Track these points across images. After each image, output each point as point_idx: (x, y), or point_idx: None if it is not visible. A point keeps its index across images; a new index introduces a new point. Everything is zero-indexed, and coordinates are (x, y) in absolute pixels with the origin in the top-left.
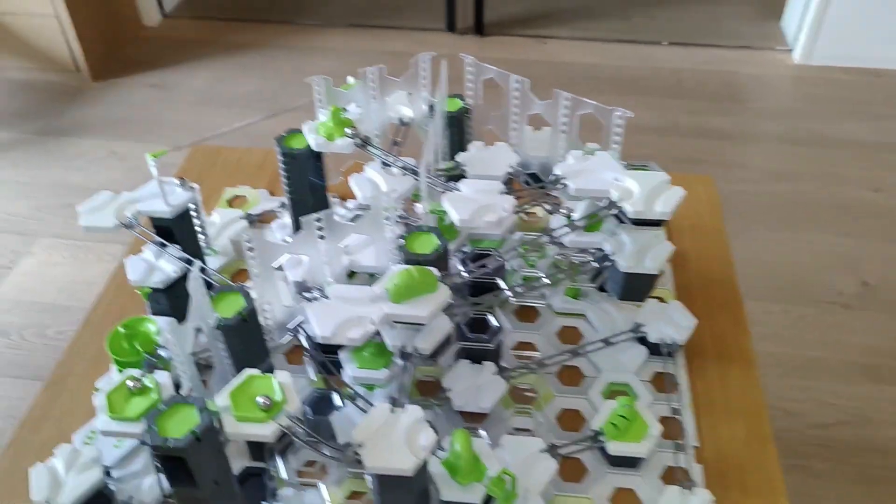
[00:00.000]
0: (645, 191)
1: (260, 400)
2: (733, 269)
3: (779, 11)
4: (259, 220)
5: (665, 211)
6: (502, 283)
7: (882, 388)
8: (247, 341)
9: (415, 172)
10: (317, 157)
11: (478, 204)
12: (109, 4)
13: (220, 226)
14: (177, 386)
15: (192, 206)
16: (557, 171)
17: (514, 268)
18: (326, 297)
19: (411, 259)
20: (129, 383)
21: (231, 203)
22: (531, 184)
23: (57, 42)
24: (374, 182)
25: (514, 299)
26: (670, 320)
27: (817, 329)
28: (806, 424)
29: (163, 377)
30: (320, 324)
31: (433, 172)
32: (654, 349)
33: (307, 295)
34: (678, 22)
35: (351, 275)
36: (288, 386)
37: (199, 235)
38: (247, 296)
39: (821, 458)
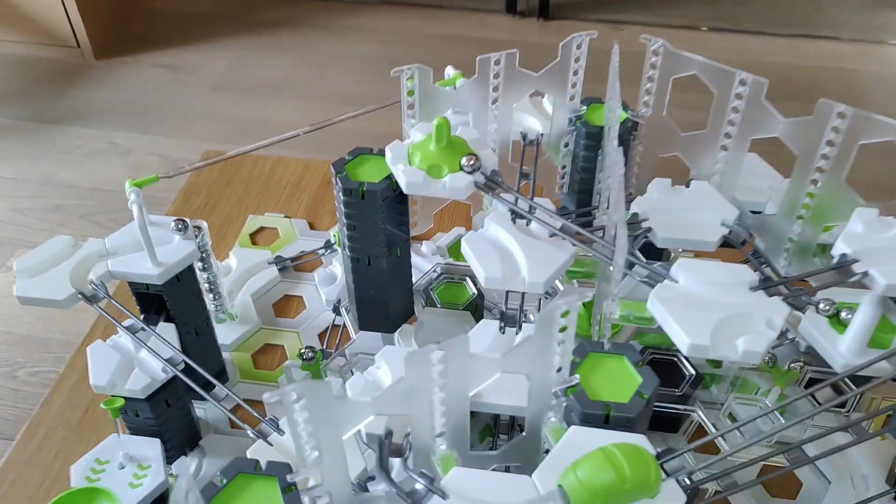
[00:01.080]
0: None
1: None
2: None
3: None
4: (295, 267)
5: None
6: (705, 421)
7: None
8: None
9: (576, 235)
10: (400, 196)
11: (721, 314)
12: None
13: (238, 274)
14: None
15: (199, 253)
16: (844, 246)
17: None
18: (442, 495)
19: (593, 413)
20: None
21: (255, 238)
22: (760, 255)
23: (55, 13)
24: (504, 251)
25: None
26: None
27: None
28: None
29: None
30: None
31: (624, 240)
32: None
33: (405, 485)
34: (774, 9)
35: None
36: None
37: (208, 294)
38: (287, 488)
39: None
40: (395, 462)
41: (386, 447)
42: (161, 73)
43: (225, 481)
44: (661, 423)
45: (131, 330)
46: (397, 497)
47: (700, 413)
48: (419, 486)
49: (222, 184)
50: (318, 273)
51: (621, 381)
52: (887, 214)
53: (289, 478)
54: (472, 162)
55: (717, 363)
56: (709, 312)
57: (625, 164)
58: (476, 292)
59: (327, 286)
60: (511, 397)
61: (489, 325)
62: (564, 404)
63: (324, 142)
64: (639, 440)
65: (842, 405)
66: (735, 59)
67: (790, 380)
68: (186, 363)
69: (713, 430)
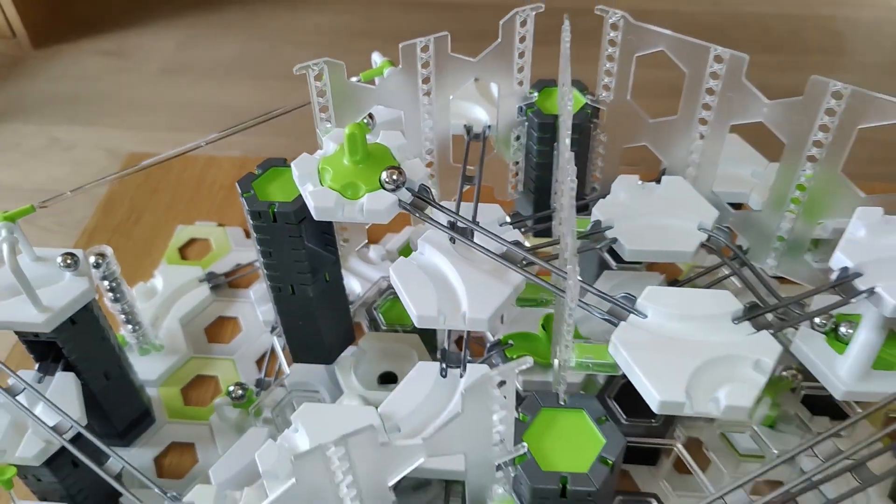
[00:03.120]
0: None
1: None
2: None
3: None
4: (230, 283)
5: None
6: (685, 457)
7: None
8: None
9: (521, 262)
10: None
11: (698, 359)
12: None
13: (165, 296)
14: None
15: (105, 283)
16: (845, 258)
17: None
18: None
19: (546, 486)
20: None
21: (185, 252)
22: (747, 262)
23: None
24: (441, 278)
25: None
26: None
27: None
28: None
29: None
30: None
31: (577, 272)
32: None
33: None
34: None
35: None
36: None
37: (125, 326)
38: None
39: None
40: None
41: None
42: (104, 60)
43: None
44: (639, 456)
45: (11, 392)
46: None
47: (679, 447)
48: None
49: (148, 190)
50: (255, 289)
51: (580, 443)
52: (893, 211)
53: None
54: (394, 177)
55: None
56: (684, 358)
57: (586, 157)
58: None
59: (265, 304)
60: (450, 462)
61: (428, 369)
62: (513, 475)
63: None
64: None
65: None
66: (713, 11)
67: (782, 389)
68: (80, 432)
69: (694, 466)
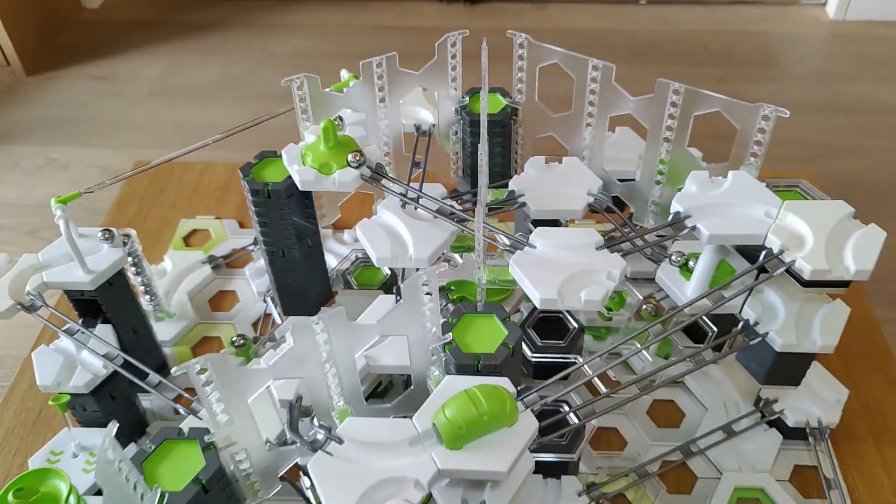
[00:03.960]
0: (823, 235)
1: None
2: (867, 302)
3: None
4: (227, 264)
5: (864, 269)
6: (587, 369)
7: None
8: None
9: (453, 216)
10: (305, 192)
11: (568, 271)
12: None
13: (174, 276)
14: None
15: (130, 259)
16: (678, 205)
17: (597, 330)
18: (338, 440)
19: (466, 363)
20: None
21: (188, 240)
22: (623, 219)
23: None
24: (394, 232)
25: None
26: (811, 392)
27: None
28: None
29: None
30: (334, 498)
31: (486, 218)
32: (789, 433)
33: (307, 434)
34: None
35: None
36: None
37: (144, 296)
38: (207, 446)
39: None
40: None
41: (296, 409)
42: (94, 84)
43: (153, 447)
44: (553, 372)
45: (69, 332)
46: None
47: (579, 359)
48: (320, 435)
49: (155, 191)
50: (249, 268)
51: (490, 336)
52: (719, 174)
53: (206, 438)
54: (357, 157)
55: (608, 317)
56: (558, 272)
57: (509, 146)
58: (389, 273)
59: (258, 279)
60: (399, 359)
61: (386, 300)
62: (444, 359)
63: (243, 145)
64: (502, 382)
65: (701, 339)
66: (657, 30)
67: (674, 325)
68: (125, 359)
69: (589, 372)
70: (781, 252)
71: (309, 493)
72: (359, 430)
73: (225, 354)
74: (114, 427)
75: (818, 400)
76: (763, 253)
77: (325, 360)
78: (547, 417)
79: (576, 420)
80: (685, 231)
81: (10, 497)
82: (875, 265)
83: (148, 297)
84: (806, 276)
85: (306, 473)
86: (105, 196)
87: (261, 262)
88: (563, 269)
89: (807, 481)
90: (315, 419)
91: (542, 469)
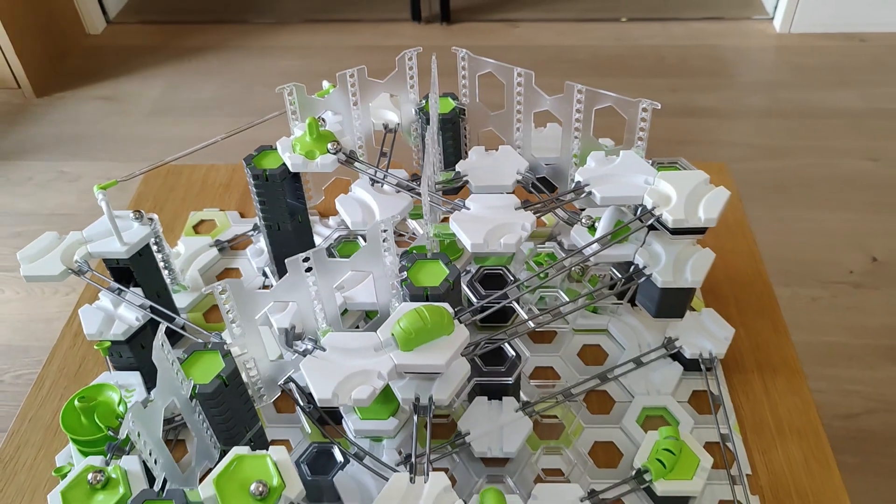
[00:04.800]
0: (683, 194)
1: (254, 487)
2: (763, 266)
3: None
4: (231, 247)
5: (711, 217)
6: (521, 311)
7: None
8: (229, 408)
9: (410, 189)
10: (295, 176)
11: (492, 223)
12: (48, 14)
13: (186, 257)
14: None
15: (152, 239)
16: (580, 176)
17: (525, 284)
18: (322, 349)
19: (418, 294)
20: (90, 476)
21: (197, 229)
22: (542, 190)
23: None
24: (364, 203)
25: (533, 323)
26: (705, 331)
27: (831, 312)
28: (830, 416)
29: (130, 463)
30: (318, 385)
31: (433, 187)
32: (690, 364)
33: (299, 346)
34: None
35: (344, 311)
36: (286, 465)
37: (164, 271)
38: (226, 354)
39: (851, 451)
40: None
41: (290, 332)
42: (100, 104)
43: (186, 356)
44: (497, 317)
45: (110, 290)
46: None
47: (514, 303)
48: (309, 346)
49: (166, 190)
50: (250, 249)
51: (436, 274)
52: (613, 153)
53: (225, 347)
54: (335, 146)
55: (544, 275)
56: (485, 224)
57: (459, 139)
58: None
59: (257, 257)
60: (369, 297)
61: None
62: (401, 293)
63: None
64: (444, 305)
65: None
66: (617, 45)
67: (601, 283)
68: (153, 307)
69: (524, 315)
70: (654, 208)
71: (297, 396)
72: (337, 340)
73: (243, 281)
74: (164, 326)
75: (710, 337)
76: (640, 208)
77: (312, 286)
78: (491, 354)
79: (512, 352)
80: (584, 195)
81: (76, 402)
82: (719, 216)
83: (167, 271)
84: (670, 225)
85: (296, 384)
86: (124, 195)
87: (259, 245)
88: (489, 223)
89: (701, 402)
90: (305, 338)
91: (488, 392)
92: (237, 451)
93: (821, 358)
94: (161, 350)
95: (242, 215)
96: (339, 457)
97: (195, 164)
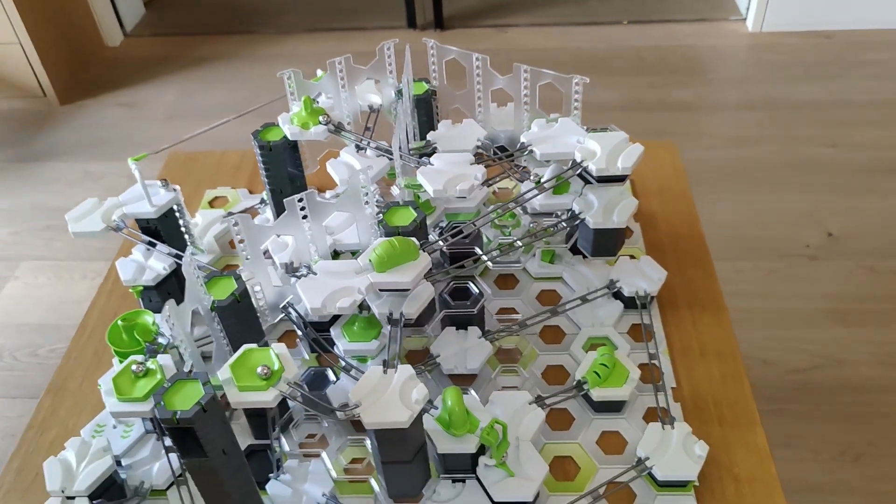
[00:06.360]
0: (606, 150)
1: (260, 370)
2: (700, 227)
3: None
4: None
5: (627, 166)
6: (479, 251)
7: (852, 330)
8: (242, 321)
9: (388, 153)
10: (293, 147)
11: (450, 175)
12: (71, 27)
13: (203, 226)
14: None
15: (175, 206)
16: (524, 139)
17: (490, 238)
18: (314, 273)
19: (391, 231)
20: (134, 367)
21: (212, 204)
22: (500, 155)
23: (22, 69)
24: (350, 165)
25: (493, 265)
26: (642, 274)
27: (787, 281)
28: (783, 371)
29: (165, 359)
30: (310, 297)
31: (406, 151)
32: (630, 303)
33: (296, 273)
34: (634, 1)
35: (335, 255)
36: (285, 355)
37: (185, 235)
38: (238, 279)
39: (799, 401)
40: None
41: (289, 266)
42: (119, 110)
43: (206, 280)
44: (461, 258)
45: (142, 242)
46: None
47: (476, 249)
48: (303, 271)
49: (184, 173)
50: (258, 219)
51: (407, 217)
52: (553, 120)
53: (237, 272)
54: (325, 118)
55: (507, 233)
56: (444, 175)
57: (431, 116)
58: None
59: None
60: (354, 239)
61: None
62: (379, 233)
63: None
64: (412, 238)
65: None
66: (599, 46)
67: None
68: (177, 263)
69: (490, 266)
70: (582, 161)
71: (296, 319)
72: (326, 266)
73: (250, 217)
74: (190, 249)
75: (646, 279)
76: (572, 161)
77: (305, 221)
78: (458, 291)
79: (476, 290)
80: (527, 153)
81: (119, 322)
82: (634, 165)
83: (187, 236)
84: (594, 174)
85: (295, 310)
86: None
87: (266, 214)
88: (448, 174)
89: (639, 333)
90: (301, 267)
91: (456, 322)
92: (246, 346)
93: (776, 321)
94: (189, 266)
95: (251, 192)
96: (331, 375)
97: (210, 151)
